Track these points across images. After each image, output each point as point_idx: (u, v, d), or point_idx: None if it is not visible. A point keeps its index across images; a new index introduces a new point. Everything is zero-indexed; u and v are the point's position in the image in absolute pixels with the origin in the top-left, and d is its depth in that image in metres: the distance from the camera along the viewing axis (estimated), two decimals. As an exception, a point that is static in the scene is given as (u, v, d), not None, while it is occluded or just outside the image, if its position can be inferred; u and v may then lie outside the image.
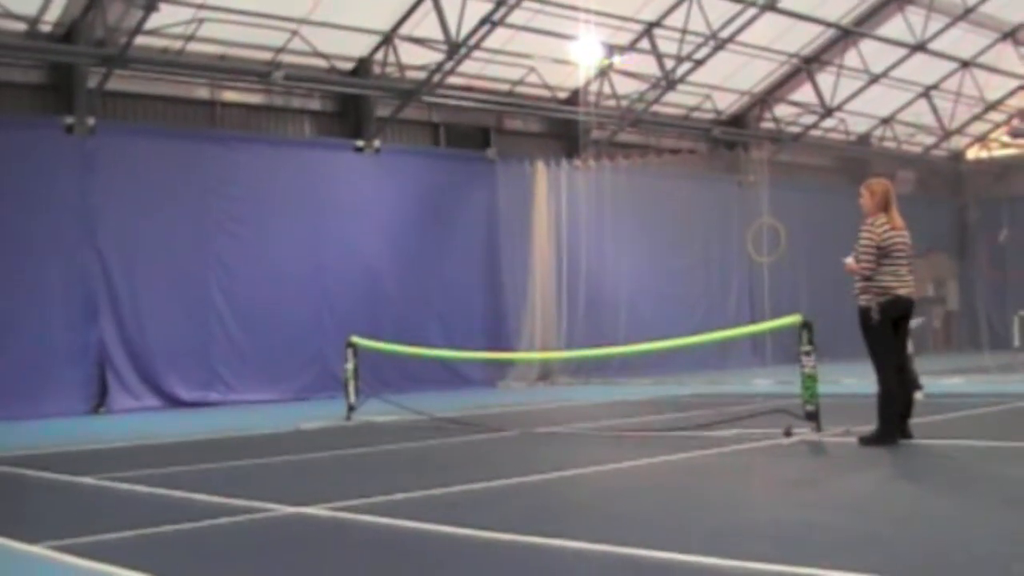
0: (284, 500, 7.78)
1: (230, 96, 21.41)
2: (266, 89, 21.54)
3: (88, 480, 9.52)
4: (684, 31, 23.26)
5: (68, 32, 18.59)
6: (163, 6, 18.06)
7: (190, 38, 19.47)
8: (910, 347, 10.29)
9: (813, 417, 10.60)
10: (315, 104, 22.66)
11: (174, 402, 19.21)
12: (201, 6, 19.03)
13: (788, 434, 10.44)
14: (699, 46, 24.13)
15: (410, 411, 14.93)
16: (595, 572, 5.49)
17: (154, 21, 18.49)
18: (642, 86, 25.22)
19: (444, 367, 21.92)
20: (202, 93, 21.05)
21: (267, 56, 20.73)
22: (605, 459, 9.71)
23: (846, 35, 26.30)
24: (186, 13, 18.95)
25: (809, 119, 28.95)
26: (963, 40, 27.47)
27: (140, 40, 18.66)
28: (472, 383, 22.43)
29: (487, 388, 22.27)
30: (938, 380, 14.93)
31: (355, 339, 15.76)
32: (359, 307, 21.10)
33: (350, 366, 15.44)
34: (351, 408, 15.13)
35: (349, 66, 22.09)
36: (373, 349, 16.39)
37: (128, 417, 17.61)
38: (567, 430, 12.89)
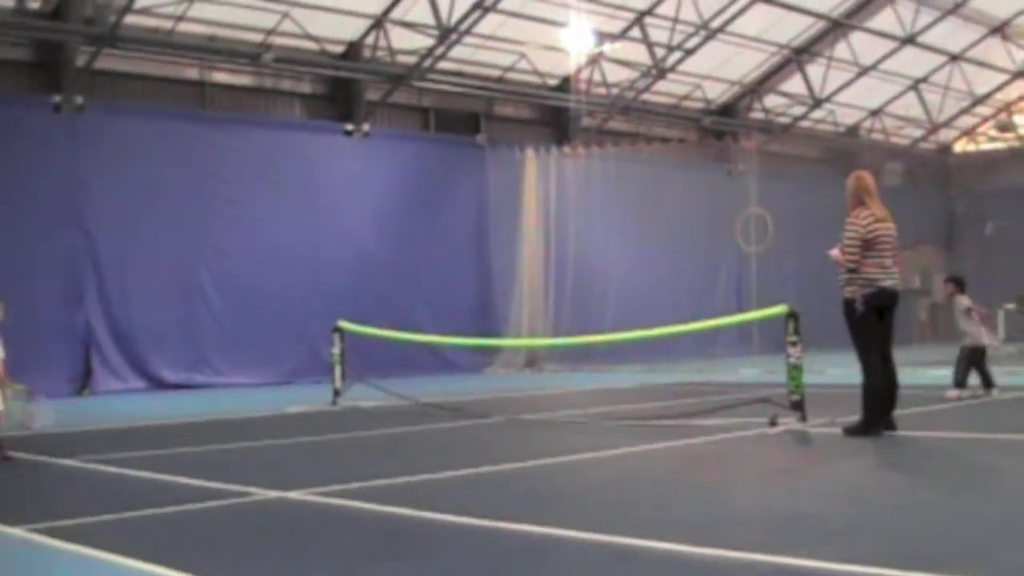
0: (268, 484, 7.76)
1: (220, 77, 21.33)
2: (256, 71, 21.47)
3: (71, 462, 9.50)
4: (675, 20, 23.28)
5: (57, 9, 18.49)
6: (153, -14, 18.03)
7: (180, 18, 19.40)
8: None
9: (798, 407, 10.62)
10: (305, 87, 22.59)
11: (159, 384, 19.18)
12: (191, -14, 18.98)
13: (773, 424, 10.45)
14: (690, 35, 24.16)
15: (396, 396, 14.92)
16: (576, 560, 5.48)
17: (144, 0, 18.41)
18: (633, 74, 25.21)
19: (431, 352, 21.90)
20: (192, 74, 20.97)
21: (257, 38, 20.67)
22: (591, 447, 9.70)
23: (836, 27, 26.32)
24: (176, -7, 18.91)
25: (799, 110, 28.98)
26: (953, 34, 27.55)
27: (130, 19, 18.60)
28: (459, 368, 22.43)
29: (474, 374, 22.26)
30: (923, 371, 14.96)
31: (342, 323, 15.74)
32: (347, 291, 21.06)
33: (337, 350, 15.42)
34: (337, 392, 15.12)
35: (340, 49, 22.03)
36: (360, 333, 16.36)
37: (113, 399, 17.59)
38: (553, 417, 12.89)
